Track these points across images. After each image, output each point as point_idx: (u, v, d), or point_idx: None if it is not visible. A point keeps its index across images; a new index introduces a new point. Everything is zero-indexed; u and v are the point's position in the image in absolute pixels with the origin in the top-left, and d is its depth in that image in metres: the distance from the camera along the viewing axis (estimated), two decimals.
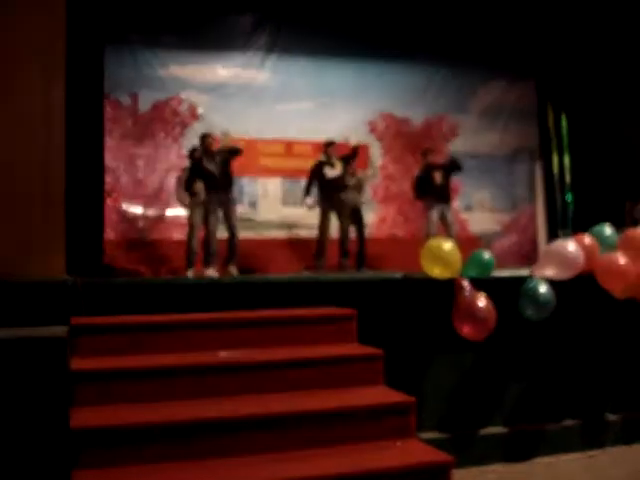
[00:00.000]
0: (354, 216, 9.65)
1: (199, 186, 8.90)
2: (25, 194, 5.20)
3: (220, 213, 8.83)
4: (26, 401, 3.73)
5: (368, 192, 10.96)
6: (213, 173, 8.80)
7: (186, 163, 9.62)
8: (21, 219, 5.15)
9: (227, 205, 8.85)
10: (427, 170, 9.93)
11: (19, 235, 5.11)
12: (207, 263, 8.51)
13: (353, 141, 9.98)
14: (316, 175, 9.55)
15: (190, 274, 8.39)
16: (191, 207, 9.07)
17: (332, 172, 9.42)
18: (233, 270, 8.50)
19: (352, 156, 9.84)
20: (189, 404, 3.97)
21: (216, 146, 9.09)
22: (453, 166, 9.93)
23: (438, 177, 9.76)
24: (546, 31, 11.93)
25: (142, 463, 3.53)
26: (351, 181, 9.77)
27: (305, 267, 9.44)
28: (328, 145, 9.71)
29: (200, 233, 8.86)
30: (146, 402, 3.95)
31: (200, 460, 3.62)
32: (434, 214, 9.69)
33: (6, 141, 5.14)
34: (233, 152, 9.03)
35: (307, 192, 9.70)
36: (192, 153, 9.17)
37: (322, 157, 9.70)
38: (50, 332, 3.95)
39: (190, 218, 9.09)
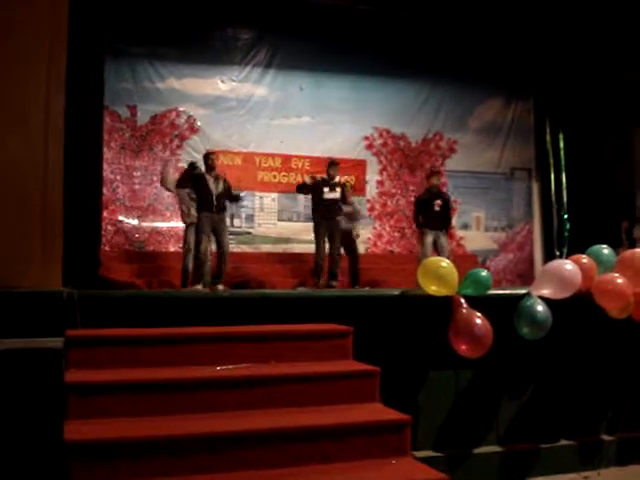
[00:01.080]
0: (345, 240, 9.69)
1: (192, 209, 9.04)
2: (23, 205, 5.17)
3: (211, 232, 8.84)
4: (20, 413, 3.70)
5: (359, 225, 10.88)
6: (212, 192, 8.78)
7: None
8: (18, 230, 5.12)
9: (219, 225, 8.84)
10: (429, 195, 9.92)
11: (16, 246, 5.08)
12: (196, 281, 8.52)
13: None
14: (315, 192, 9.53)
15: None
16: (186, 226, 9.14)
17: (330, 194, 9.41)
18: (220, 288, 8.47)
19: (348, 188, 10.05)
20: (183, 419, 3.94)
21: (219, 164, 9.17)
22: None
23: (438, 205, 9.77)
24: (544, 49, 12.00)
25: (136, 478, 3.50)
26: (347, 209, 9.85)
27: (300, 282, 9.42)
28: (331, 164, 9.69)
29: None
30: (140, 416, 3.91)
31: (193, 475, 3.59)
32: (429, 239, 9.67)
33: (5, 151, 5.13)
34: (234, 198, 9.25)
35: (302, 192, 9.82)
36: (191, 166, 9.15)
37: (324, 176, 9.68)
38: (45, 344, 3.94)
39: (185, 237, 9.18)
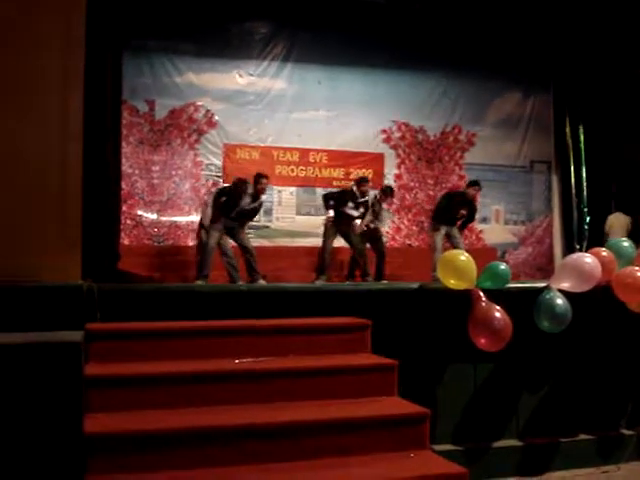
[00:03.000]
0: (371, 236, 9.75)
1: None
2: (42, 199, 5.20)
3: (225, 234, 8.93)
4: (40, 406, 3.72)
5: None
6: (239, 207, 8.86)
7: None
8: (38, 224, 5.15)
9: (236, 230, 8.93)
10: (460, 201, 9.77)
11: (35, 240, 5.12)
12: (199, 277, 8.58)
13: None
14: (341, 200, 9.46)
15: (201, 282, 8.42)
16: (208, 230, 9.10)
17: (351, 211, 9.38)
18: (262, 282, 8.56)
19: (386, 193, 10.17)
20: (202, 411, 3.96)
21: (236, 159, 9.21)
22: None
23: (462, 215, 9.67)
24: (564, 41, 11.90)
25: (155, 470, 3.52)
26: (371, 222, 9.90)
27: (317, 277, 9.42)
28: (361, 181, 9.66)
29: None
30: (160, 409, 3.93)
31: (213, 467, 3.61)
32: (441, 232, 9.60)
33: (24, 145, 5.16)
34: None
35: (327, 208, 9.57)
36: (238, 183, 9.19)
37: (354, 189, 9.62)
38: (65, 337, 3.94)
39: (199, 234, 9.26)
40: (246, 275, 8.77)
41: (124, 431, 3.64)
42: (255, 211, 9.20)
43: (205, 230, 8.94)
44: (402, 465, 3.85)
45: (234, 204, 8.82)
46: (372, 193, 10.09)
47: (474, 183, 10.04)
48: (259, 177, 9.06)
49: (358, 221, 9.67)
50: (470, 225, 10.57)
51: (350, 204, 9.38)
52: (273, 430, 3.82)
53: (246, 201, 8.87)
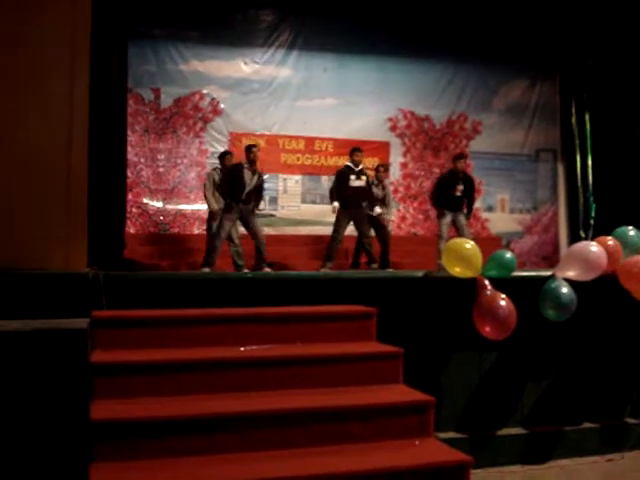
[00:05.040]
0: (376, 225, 9.69)
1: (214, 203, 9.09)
2: (48, 188, 5.22)
3: (238, 221, 8.87)
4: (46, 393, 3.74)
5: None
6: (244, 186, 8.71)
7: (207, 160, 9.67)
8: (43, 212, 5.17)
9: (248, 216, 8.81)
10: (453, 178, 9.70)
11: (41, 228, 5.14)
12: (206, 264, 8.54)
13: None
14: (341, 180, 9.44)
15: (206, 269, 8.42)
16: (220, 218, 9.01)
17: (356, 182, 9.35)
18: (267, 269, 8.55)
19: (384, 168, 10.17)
20: (208, 399, 3.96)
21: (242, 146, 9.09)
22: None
23: (460, 190, 9.60)
24: (571, 29, 11.80)
25: (161, 456, 3.53)
26: (378, 191, 9.87)
27: (323, 265, 9.42)
28: (354, 151, 9.59)
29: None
30: (165, 396, 3.95)
31: (218, 454, 3.62)
32: (447, 219, 9.54)
33: (30, 134, 5.17)
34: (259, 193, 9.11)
35: (332, 197, 9.60)
36: (222, 157, 9.11)
37: (348, 163, 9.59)
38: (71, 324, 3.96)
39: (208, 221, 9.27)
40: (253, 262, 8.76)
41: (130, 417, 3.65)
42: (262, 186, 9.05)
43: (215, 216, 8.95)
44: (407, 452, 3.86)
45: (239, 186, 8.70)
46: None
47: (460, 156, 9.99)
48: (249, 148, 8.95)
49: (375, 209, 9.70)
50: (474, 208, 10.40)
51: (352, 177, 9.35)
52: (278, 417, 3.83)
53: (248, 177, 8.75)
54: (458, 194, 9.55)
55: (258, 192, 8.96)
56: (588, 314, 5.52)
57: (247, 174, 8.72)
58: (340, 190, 9.38)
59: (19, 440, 3.70)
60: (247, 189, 8.69)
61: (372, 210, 9.58)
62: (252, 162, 8.81)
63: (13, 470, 3.67)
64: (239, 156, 9.45)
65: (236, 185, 8.71)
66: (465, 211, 9.63)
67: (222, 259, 8.87)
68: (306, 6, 11.24)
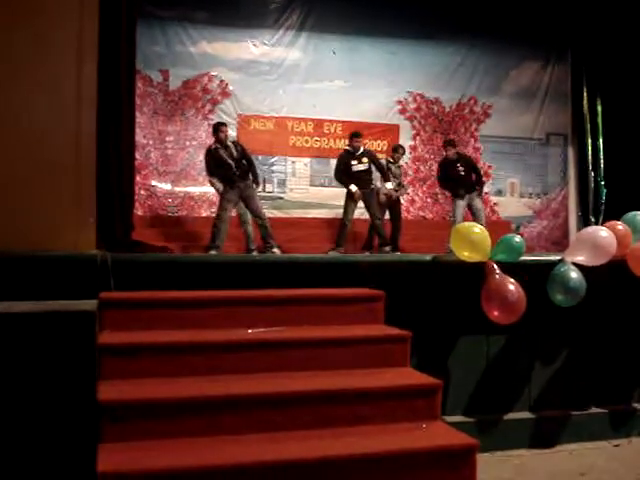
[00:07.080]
0: (391, 206, 9.78)
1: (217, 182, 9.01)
2: (56, 170, 5.22)
3: (239, 201, 8.87)
4: (54, 374, 3.76)
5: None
6: (228, 163, 8.71)
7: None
8: (52, 194, 5.18)
9: (247, 191, 8.80)
10: (450, 161, 9.89)
11: (50, 210, 5.14)
12: (211, 247, 8.55)
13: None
14: (342, 166, 9.46)
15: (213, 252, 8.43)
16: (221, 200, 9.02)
17: (357, 166, 9.35)
18: (276, 251, 8.57)
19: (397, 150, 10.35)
20: (215, 380, 3.97)
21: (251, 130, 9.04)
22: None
23: (461, 170, 9.73)
24: (582, 11, 11.69)
25: (168, 437, 3.54)
26: (397, 172, 10.03)
27: (332, 247, 9.42)
28: (353, 136, 9.57)
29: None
30: (172, 377, 3.95)
31: (226, 436, 3.62)
32: (461, 203, 9.62)
33: (38, 116, 5.16)
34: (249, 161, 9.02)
35: (341, 182, 9.58)
36: (215, 131, 9.06)
37: (347, 147, 9.61)
38: (79, 306, 3.98)
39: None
40: (261, 243, 8.77)
41: (138, 399, 3.66)
42: (246, 154, 8.91)
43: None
44: (414, 436, 3.86)
45: (224, 166, 8.71)
46: (384, 161, 10.15)
47: (448, 143, 10.14)
48: (216, 128, 8.93)
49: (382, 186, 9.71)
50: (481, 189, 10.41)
51: (353, 162, 9.35)
52: (286, 399, 3.83)
53: (227, 155, 8.69)
54: (462, 173, 9.69)
55: (248, 161, 8.91)
56: (597, 299, 5.49)
57: (224, 152, 8.71)
58: (346, 174, 9.39)
59: (28, 421, 3.72)
60: (233, 165, 8.68)
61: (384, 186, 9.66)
62: (221, 142, 8.78)
63: (22, 451, 3.69)
64: (245, 140, 9.48)
65: (221, 167, 8.74)
66: (478, 191, 9.70)
67: (228, 242, 8.88)
68: None
